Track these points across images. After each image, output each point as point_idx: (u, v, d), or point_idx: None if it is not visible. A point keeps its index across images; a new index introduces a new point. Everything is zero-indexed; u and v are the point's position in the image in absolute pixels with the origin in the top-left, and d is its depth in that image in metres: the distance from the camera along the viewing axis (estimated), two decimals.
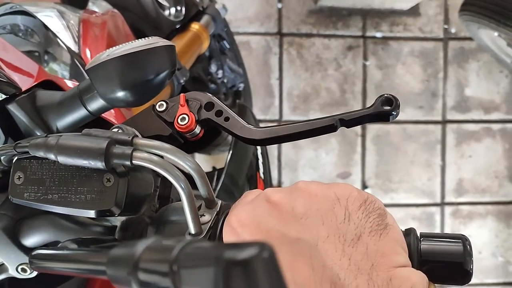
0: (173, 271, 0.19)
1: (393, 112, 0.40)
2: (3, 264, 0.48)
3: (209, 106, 0.45)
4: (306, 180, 0.39)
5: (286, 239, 0.34)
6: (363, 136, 2.14)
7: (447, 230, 2.21)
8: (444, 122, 2.20)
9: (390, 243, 0.33)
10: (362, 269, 0.32)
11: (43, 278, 0.48)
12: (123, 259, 0.22)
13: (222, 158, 1.51)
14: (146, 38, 0.46)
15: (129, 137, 0.39)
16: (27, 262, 0.46)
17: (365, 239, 0.33)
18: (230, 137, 1.37)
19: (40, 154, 0.38)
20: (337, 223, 0.34)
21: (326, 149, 2.12)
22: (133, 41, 0.46)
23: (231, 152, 0.95)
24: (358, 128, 2.11)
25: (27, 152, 0.40)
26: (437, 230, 2.20)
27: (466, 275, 0.35)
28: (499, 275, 2.24)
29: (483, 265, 2.21)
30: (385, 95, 0.41)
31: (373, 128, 2.13)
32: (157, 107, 0.46)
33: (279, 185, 2.10)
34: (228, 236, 0.37)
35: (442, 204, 2.21)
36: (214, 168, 1.58)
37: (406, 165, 2.18)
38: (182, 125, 0.44)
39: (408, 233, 0.37)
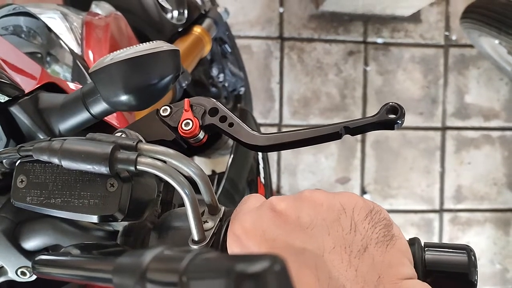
0: (182, 282, 0.19)
1: (398, 121, 0.40)
2: (2, 267, 0.47)
3: (213, 111, 0.45)
4: (310, 188, 0.38)
5: (291, 249, 0.33)
6: (363, 141, 2.14)
7: (446, 236, 2.21)
8: (444, 128, 2.20)
9: (396, 255, 0.33)
10: (369, 281, 0.31)
11: (42, 281, 0.48)
12: (130, 268, 0.22)
13: (222, 162, 1.51)
14: (151, 42, 0.46)
15: (133, 142, 0.39)
16: (27, 265, 0.46)
17: (372, 250, 0.33)
18: (230, 141, 1.37)
19: (44, 158, 0.38)
20: (343, 233, 0.33)
21: (325, 154, 2.12)
22: (137, 45, 0.45)
23: (232, 156, 0.95)
24: None
25: (30, 156, 0.40)
26: (436, 237, 2.20)
27: (470, 286, 0.35)
28: (497, 283, 2.24)
29: (481, 272, 2.21)
30: (390, 103, 0.41)
31: (372, 134, 2.13)
32: (161, 111, 0.46)
33: (278, 189, 2.09)
34: (232, 245, 0.36)
35: (441, 210, 2.21)
36: (213, 171, 1.57)
37: (405, 171, 2.18)
38: (186, 130, 0.44)
39: (413, 243, 0.37)
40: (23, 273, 0.47)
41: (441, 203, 2.21)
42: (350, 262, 0.32)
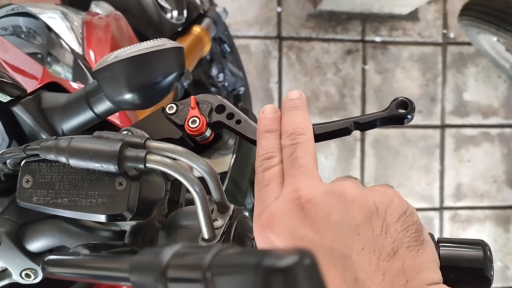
0: (207, 278, 0.18)
1: (408, 116, 0.40)
2: (6, 269, 0.47)
3: (220, 108, 0.44)
4: (341, 180, 0.36)
5: (319, 248, 0.32)
6: (362, 140, 2.14)
7: (446, 234, 2.21)
8: (443, 126, 2.20)
9: (426, 260, 0.32)
10: (396, 285, 0.31)
11: (46, 284, 0.47)
12: (149, 266, 0.21)
13: (222, 162, 1.50)
14: (154, 39, 0.45)
15: (141, 140, 0.38)
16: (31, 267, 0.45)
17: (402, 254, 0.32)
18: (230, 141, 1.37)
19: (51, 157, 0.37)
20: (373, 235, 0.32)
21: (325, 154, 2.12)
22: (141, 43, 0.45)
23: (234, 156, 0.94)
24: (357, 133, 2.11)
25: (36, 155, 0.39)
26: (436, 235, 2.18)
27: (486, 282, 0.35)
28: (498, 280, 2.24)
29: None
30: (400, 98, 0.40)
31: (372, 133, 2.13)
32: (167, 109, 0.45)
33: None
34: (258, 236, 0.35)
35: (441, 208, 2.21)
36: None
37: (405, 170, 2.17)
38: (193, 128, 0.43)
39: None
40: (28, 275, 0.46)
41: (441, 201, 2.20)
42: (379, 265, 0.31)
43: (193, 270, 0.19)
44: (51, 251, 0.47)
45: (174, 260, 0.20)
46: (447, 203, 2.21)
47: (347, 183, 0.35)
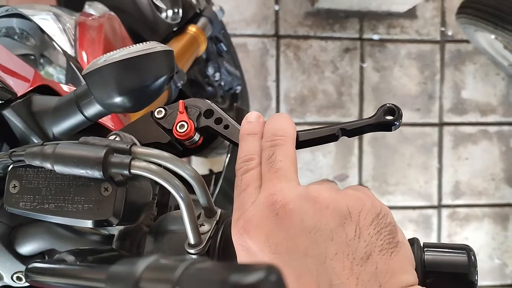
0: None
1: (395, 122, 0.40)
2: None
3: (209, 113, 0.45)
4: (317, 184, 0.36)
5: (293, 254, 0.32)
6: (360, 138, 2.14)
7: (444, 232, 2.21)
8: (441, 124, 2.20)
9: (400, 262, 0.32)
10: None
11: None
12: (123, 277, 0.21)
13: (219, 161, 1.51)
14: (144, 43, 0.45)
15: (127, 146, 0.38)
16: (23, 270, 0.46)
17: (375, 258, 0.32)
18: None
19: (36, 163, 0.38)
20: (346, 239, 0.32)
21: (323, 152, 2.12)
22: (131, 46, 0.45)
23: (229, 156, 0.94)
24: None
25: (23, 161, 0.39)
26: (434, 233, 2.20)
27: (470, 286, 0.35)
28: (496, 278, 2.24)
29: (480, 268, 2.21)
30: (388, 104, 0.40)
31: None
32: (155, 113, 0.45)
33: None
34: (236, 242, 0.36)
35: (439, 206, 2.21)
36: (211, 171, 1.57)
37: (403, 168, 2.17)
38: (181, 132, 0.43)
39: (412, 243, 0.36)
40: (19, 278, 0.46)
41: (439, 199, 2.21)
42: (352, 270, 0.31)
43: (164, 284, 0.19)
44: (42, 254, 0.47)
45: (147, 273, 0.21)
46: (445, 201, 2.21)
47: (322, 187, 0.35)
